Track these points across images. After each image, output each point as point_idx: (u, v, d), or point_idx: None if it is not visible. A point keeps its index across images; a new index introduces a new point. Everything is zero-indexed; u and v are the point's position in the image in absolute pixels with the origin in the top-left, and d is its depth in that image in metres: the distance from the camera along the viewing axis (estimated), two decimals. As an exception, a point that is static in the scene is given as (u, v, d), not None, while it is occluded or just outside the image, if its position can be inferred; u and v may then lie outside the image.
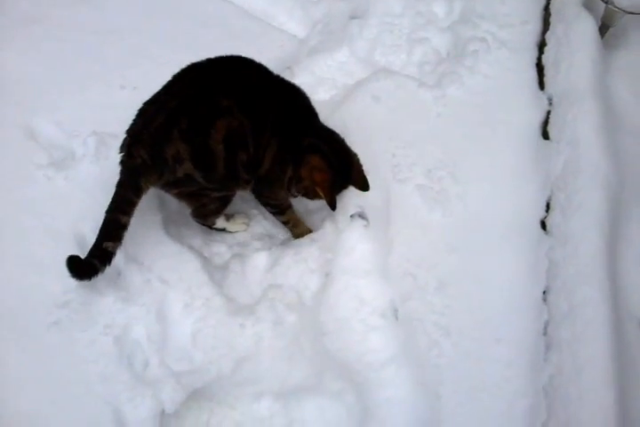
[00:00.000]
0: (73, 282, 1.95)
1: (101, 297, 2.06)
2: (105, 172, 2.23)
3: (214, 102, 1.97)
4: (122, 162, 1.99)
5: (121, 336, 2.05)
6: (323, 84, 2.89)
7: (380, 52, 3.00)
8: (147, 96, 2.02)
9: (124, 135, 2.00)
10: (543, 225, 2.35)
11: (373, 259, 2.16)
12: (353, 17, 3.10)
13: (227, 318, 2.10)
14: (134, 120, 2.01)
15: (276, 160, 2.09)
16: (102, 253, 1.94)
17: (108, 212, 1.96)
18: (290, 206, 2.34)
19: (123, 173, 1.99)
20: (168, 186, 2.09)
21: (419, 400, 1.95)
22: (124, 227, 1.97)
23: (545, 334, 2.12)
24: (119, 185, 1.98)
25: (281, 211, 2.33)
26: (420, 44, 2.98)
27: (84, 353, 1.98)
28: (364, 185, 2.13)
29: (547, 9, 3.00)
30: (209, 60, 2.05)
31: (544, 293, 2.19)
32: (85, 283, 1.97)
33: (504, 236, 2.31)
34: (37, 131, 2.39)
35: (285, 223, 2.40)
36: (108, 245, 1.95)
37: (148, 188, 2.02)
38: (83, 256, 1.94)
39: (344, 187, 2.15)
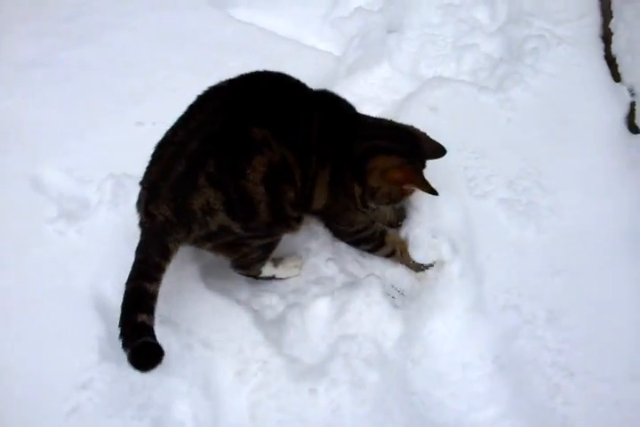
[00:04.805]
0: (93, 356, 1.72)
1: (131, 372, 1.72)
2: (126, 218, 2.01)
3: (245, 135, 1.71)
4: (141, 223, 1.74)
5: (161, 419, 1.76)
6: (367, 104, 2.63)
7: (425, 64, 2.84)
8: (168, 131, 1.86)
9: (139, 187, 1.77)
10: (656, 231, 2.12)
11: (462, 295, 1.97)
12: (390, 31, 2.96)
13: (292, 384, 1.84)
14: (148, 168, 1.76)
15: (334, 186, 1.87)
16: (140, 328, 1.61)
17: (127, 282, 1.65)
18: (384, 232, 2.12)
19: (143, 235, 1.73)
20: (199, 241, 1.82)
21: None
22: (153, 297, 1.65)
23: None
24: (139, 250, 1.70)
25: (379, 242, 2.09)
26: (468, 51, 2.82)
27: (114, 446, 1.72)
28: (440, 151, 1.92)
29: (603, -1, 2.88)
30: (229, 82, 1.81)
31: (682, 311, 1.94)
32: (110, 356, 1.71)
33: (612, 248, 2.07)
34: (44, 181, 2.24)
35: (391, 255, 2.13)
36: (144, 317, 1.61)
37: (177, 248, 1.73)
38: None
39: (424, 166, 1.93)
